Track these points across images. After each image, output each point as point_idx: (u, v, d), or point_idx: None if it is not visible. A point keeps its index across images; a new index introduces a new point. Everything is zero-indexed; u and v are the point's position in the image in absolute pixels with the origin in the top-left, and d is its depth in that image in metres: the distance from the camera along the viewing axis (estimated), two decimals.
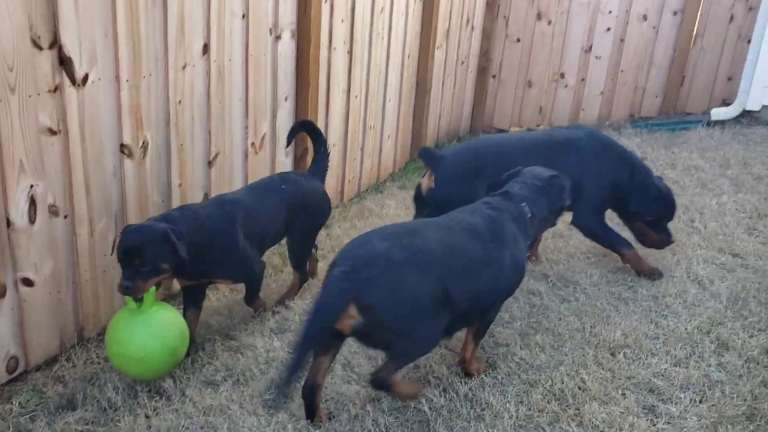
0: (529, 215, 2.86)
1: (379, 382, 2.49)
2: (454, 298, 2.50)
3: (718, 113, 6.76)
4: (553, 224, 3.21)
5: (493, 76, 7.62)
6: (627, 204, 3.71)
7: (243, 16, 3.70)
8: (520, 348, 2.93)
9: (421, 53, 6.02)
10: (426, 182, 3.59)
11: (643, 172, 3.74)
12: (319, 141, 3.74)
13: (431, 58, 6.09)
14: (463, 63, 7.01)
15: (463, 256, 2.59)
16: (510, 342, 2.96)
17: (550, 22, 7.30)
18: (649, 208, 3.68)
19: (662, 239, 3.74)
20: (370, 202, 5.12)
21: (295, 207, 3.39)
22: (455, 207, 2.88)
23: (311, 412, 2.58)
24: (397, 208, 5.00)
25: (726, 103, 7.06)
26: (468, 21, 6.87)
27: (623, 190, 3.69)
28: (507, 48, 7.49)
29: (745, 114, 6.69)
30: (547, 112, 7.63)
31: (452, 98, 7.00)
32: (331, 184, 4.92)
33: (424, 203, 3.63)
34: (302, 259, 3.58)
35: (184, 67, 3.36)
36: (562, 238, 4.19)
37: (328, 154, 3.77)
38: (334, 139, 4.86)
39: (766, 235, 4.17)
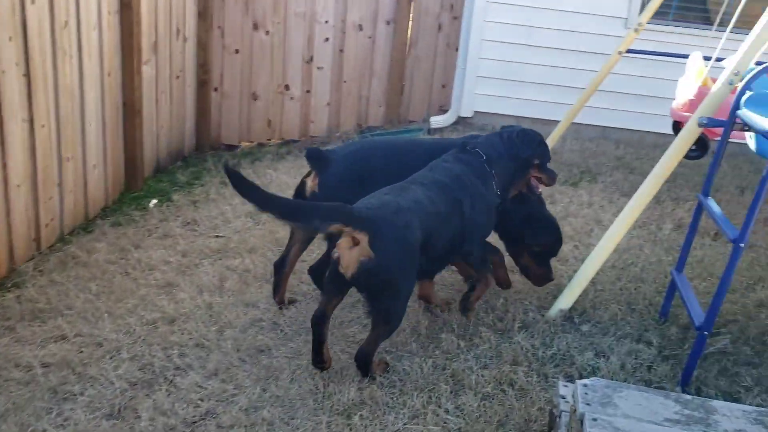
0: (483, 158, 3.26)
1: (363, 357, 2.83)
2: (431, 245, 2.93)
3: (437, 121, 6.99)
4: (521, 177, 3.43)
5: (215, 89, 7.13)
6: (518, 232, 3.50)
7: None
8: (246, 430, 2.53)
9: (125, 70, 5.34)
10: (310, 184, 3.47)
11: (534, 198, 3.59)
12: None
13: (138, 74, 5.44)
14: (178, 77, 6.42)
15: (438, 207, 2.99)
16: (234, 423, 2.56)
17: (267, 32, 7.00)
18: (539, 239, 3.50)
19: (544, 273, 3.56)
20: (76, 247, 4.37)
21: None
22: None
23: (318, 346, 2.86)
24: (109, 252, 4.32)
25: (443, 110, 7.35)
26: (179, 32, 6.29)
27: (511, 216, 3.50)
28: (226, 60, 7.05)
29: (461, 120, 7.00)
30: (276, 125, 7.35)
31: (170, 116, 6.38)
32: (21, 233, 4.11)
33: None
34: None
35: None
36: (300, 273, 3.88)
37: None
38: (18, 180, 4.04)
39: None
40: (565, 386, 2.36)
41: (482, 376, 2.86)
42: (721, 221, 2.80)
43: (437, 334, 3.22)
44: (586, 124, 6.69)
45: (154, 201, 5.55)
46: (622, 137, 6.82)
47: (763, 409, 2.19)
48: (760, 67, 2.97)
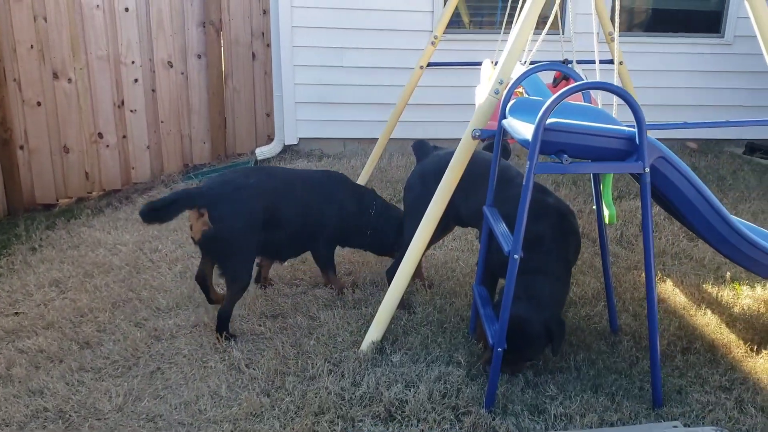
0: None
1: (224, 313, 3.47)
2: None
3: (263, 151, 6.78)
4: None
5: (21, 147, 6.57)
6: None
7: None
8: None
9: None
10: None
11: None
12: None
13: None
14: None
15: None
16: None
17: (70, 80, 6.54)
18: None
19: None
20: None
21: None
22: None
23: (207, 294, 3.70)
24: None
25: (272, 139, 7.15)
26: None
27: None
28: (28, 114, 6.52)
29: (287, 149, 6.82)
30: (94, 176, 6.88)
31: None
32: None
33: None
34: None
35: None
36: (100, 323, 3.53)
37: None
38: None
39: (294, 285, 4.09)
40: None
41: None
42: (500, 234, 2.76)
43: (238, 392, 2.99)
44: (411, 138, 6.67)
45: None
46: (447, 147, 6.87)
47: None
48: (519, 73, 2.98)
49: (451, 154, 3.31)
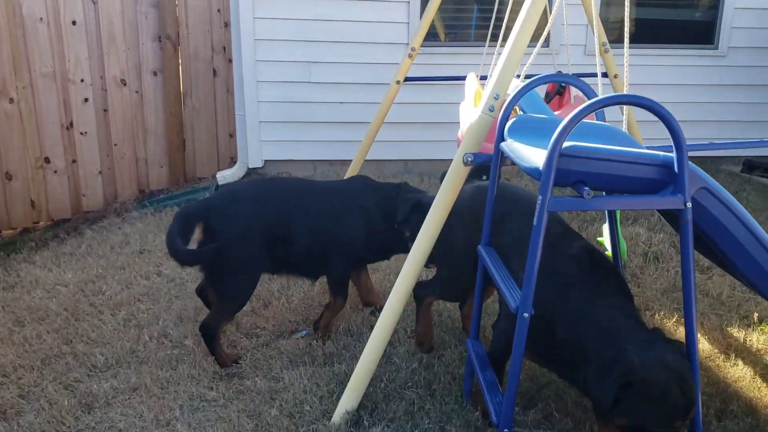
0: None
1: (206, 329, 3.17)
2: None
3: (224, 176, 6.21)
4: None
5: None
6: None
7: None
8: None
9: None
10: None
11: None
12: None
13: None
14: None
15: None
16: None
17: (12, 100, 5.94)
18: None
19: None
20: None
21: None
22: None
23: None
24: None
25: (235, 162, 6.59)
26: None
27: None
28: None
29: (251, 172, 6.27)
30: (41, 205, 6.27)
31: None
32: None
33: None
34: None
35: None
36: None
37: None
38: None
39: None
40: None
41: None
42: (503, 283, 2.25)
43: None
44: (387, 160, 6.21)
45: None
46: (425, 169, 6.34)
47: None
48: (516, 89, 2.48)
49: (478, 188, 2.83)
